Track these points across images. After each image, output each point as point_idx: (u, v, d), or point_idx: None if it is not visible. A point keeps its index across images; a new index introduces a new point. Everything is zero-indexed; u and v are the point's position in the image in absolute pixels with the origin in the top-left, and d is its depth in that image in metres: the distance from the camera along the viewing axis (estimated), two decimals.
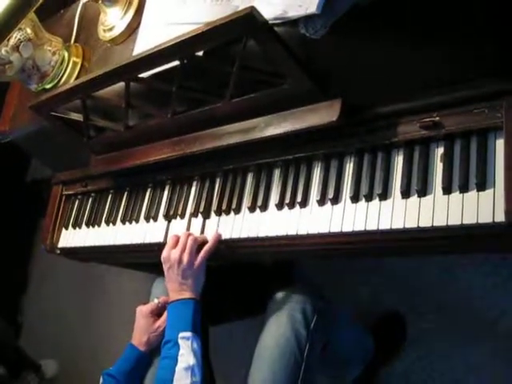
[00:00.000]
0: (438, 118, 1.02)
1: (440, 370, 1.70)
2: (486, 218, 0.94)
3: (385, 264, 1.87)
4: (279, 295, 1.35)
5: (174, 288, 1.29)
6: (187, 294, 1.27)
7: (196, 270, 1.28)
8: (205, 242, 1.31)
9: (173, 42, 1.10)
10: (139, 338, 1.38)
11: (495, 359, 1.61)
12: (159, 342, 1.32)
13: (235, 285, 1.69)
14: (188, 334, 1.21)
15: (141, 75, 1.22)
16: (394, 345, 1.79)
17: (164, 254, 1.31)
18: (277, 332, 1.28)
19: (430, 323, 1.75)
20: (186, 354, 1.19)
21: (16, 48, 1.37)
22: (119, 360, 1.40)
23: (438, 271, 1.77)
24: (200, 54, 1.13)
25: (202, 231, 1.36)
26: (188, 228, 1.39)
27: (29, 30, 1.38)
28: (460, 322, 1.69)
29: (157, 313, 1.40)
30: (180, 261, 1.27)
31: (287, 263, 2.01)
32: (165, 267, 1.31)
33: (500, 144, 0.96)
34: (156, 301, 1.41)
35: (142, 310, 1.40)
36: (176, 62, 1.15)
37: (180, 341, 1.20)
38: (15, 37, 1.35)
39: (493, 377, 1.61)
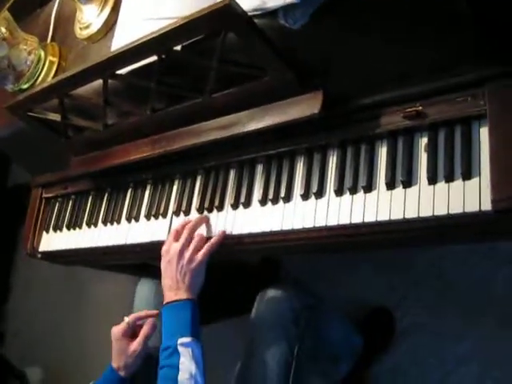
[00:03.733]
0: (421, 108, 1.01)
1: (430, 363, 1.70)
2: (472, 207, 0.93)
3: (371, 259, 1.86)
4: (267, 293, 1.32)
5: (171, 286, 1.19)
6: (184, 294, 1.17)
7: (196, 268, 1.19)
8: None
9: (150, 37, 1.08)
10: (117, 361, 1.29)
11: (485, 349, 1.61)
12: (138, 366, 1.28)
13: (221, 283, 1.67)
14: (188, 339, 1.12)
15: (119, 72, 1.20)
16: (382, 340, 1.78)
17: (165, 246, 1.24)
18: (266, 329, 1.26)
19: (417, 317, 1.74)
20: (187, 362, 1.10)
21: None
22: (99, 380, 1.31)
23: (425, 264, 1.76)
24: (178, 48, 1.11)
25: None
26: (170, 228, 1.36)
27: (3, 29, 1.36)
28: (448, 314, 1.69)
29: (130, 333, 1.30)
30: (181, 255, 1.19)
31: (274, 260, 2.00)
32: (163, 261, 1.23)
33: (484, 132, 0.95)
34: (126, 320, 1.30)
35: (114, 333, 1.30)
36: (154, 58, 1.13)
37: (180, 347, 1.11)
38: None
39: (483, 366, 1.61)
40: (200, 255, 1.20)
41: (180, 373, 1.09)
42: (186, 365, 1.10)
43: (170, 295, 1.19)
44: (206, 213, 1.30)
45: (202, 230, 1.28)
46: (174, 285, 1.19)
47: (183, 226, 1.26)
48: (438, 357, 1.70)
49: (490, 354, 1.61)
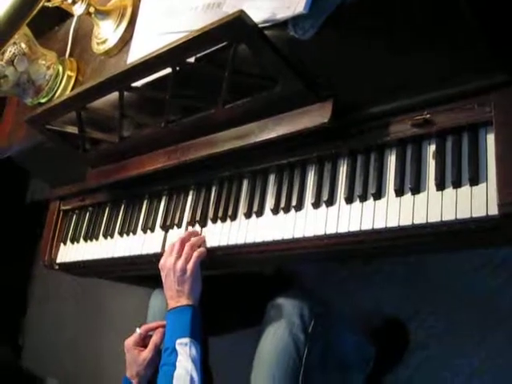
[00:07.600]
0: (428, 116, 1.03)
1: (443, 376, 1.69)
2: (479, 211, 0.94)
3: (385, 270, 1.87)
4: (277, 301, 1.35)
5: (172, 296, 1.28)
6: (184, 301, 1.25)
7: (190, 276, 1.26)
8: (201, 246, 1.32)
9: (164, 50, 1.11)
10: (130, 371, 1.34)
11: (498, 362, 1.60)
12: (149, 374, 1.32)
13: (236, 294, 1.68)
14: (185, 339, 1.20)
15: (134, 84, 1.24)
16: (396, 353, 1.77)
17: (161, 261, 1.31)
18: (275, 337, 1.27)
19: (431, 329, 1.74)
20: (184, 360, 1.18)
21: (11, 62, 1.38)
22: None
23: (439, 276, 1.76)
24: (191, 60, 1.14)
25: None
26: None
27: (23, 45, 1.40)
28: (462, 327, 1.68)
29: (141, 344, 1.35)
30: (175, 267, 1.27)
31: (287, 272, 2.01)
32: (162, 275, 1.31)
33: (491, 138, 0.97)
34: (138, 331, 1.36)
35: (127, 344, 1.35)
36: (168, 70, 1.16)
37: (178, 347, 1.19)
38: (10, 51, 1.37)
39: (495, 380, 1.60)
40: (191, 264, 1.27)
41: (177, 369, 1.18)
42: (183, 362, 1.18)
43: (172, 303, 1.28)
44: (219, 222, 1.33)
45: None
46: (174, 295, 1.28)
47: (177, 241, 1.33)
48: (451, 369, 1.69)
49: (504, 366, 1.60)
